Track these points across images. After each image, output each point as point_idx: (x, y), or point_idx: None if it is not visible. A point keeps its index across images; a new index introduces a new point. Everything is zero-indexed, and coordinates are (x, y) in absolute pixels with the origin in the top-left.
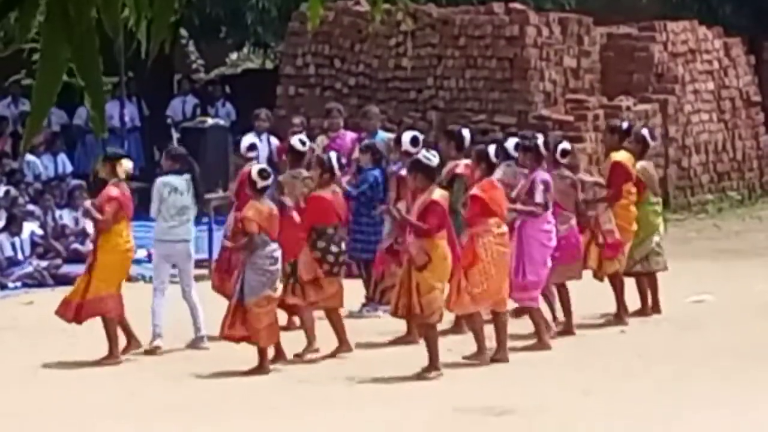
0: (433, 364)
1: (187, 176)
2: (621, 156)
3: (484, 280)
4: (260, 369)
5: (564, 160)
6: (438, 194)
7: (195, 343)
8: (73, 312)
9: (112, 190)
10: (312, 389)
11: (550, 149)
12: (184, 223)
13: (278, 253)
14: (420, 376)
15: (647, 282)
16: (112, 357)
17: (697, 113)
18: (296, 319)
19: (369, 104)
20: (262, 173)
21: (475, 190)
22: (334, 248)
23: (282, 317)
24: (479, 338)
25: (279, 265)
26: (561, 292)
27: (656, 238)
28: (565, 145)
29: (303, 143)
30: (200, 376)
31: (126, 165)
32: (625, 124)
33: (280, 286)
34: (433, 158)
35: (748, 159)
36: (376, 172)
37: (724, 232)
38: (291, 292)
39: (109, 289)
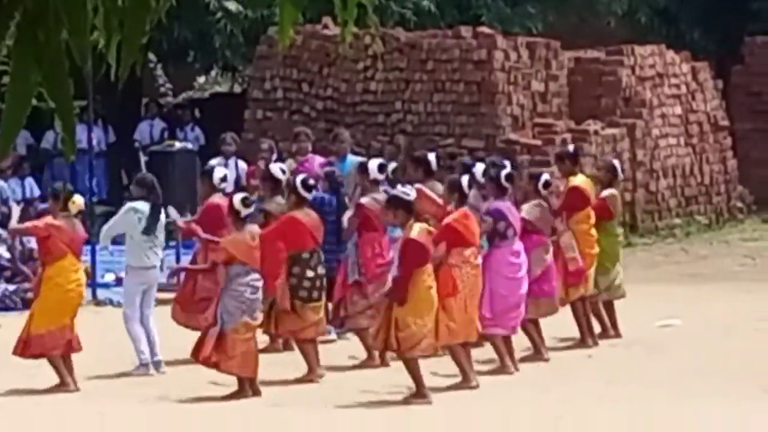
0: (420, 392)
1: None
2: (578, 180)
3: (461, 312)
4: (240, 394)
5: (546, 192)
6: (416, 231)
7: (157, 366)
8: (20, 347)
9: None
10: (284, 413)
11: (517, 180)
12: (155, 249)
13: (259, 283)
14: (407, 401)
15: (605, 309)
16: (63, 386)
17: (664, 137)
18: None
19: (337, 128)
20: (244, 201)
21: (449, 221)
22: (309, 273)
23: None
24: (464, 368)
25: (259, 294)
26: (531, 325)
27: (619, 268)
28: (547, 176)
29: (283, 171)
30: (171, 399)
31: (78, 202)
32: (570, 147)
33: (260, 315)
34: (410, 193)
35: (715, 183)
36: (325, 197)
37: (691, 256)
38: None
39: (49, 326)
